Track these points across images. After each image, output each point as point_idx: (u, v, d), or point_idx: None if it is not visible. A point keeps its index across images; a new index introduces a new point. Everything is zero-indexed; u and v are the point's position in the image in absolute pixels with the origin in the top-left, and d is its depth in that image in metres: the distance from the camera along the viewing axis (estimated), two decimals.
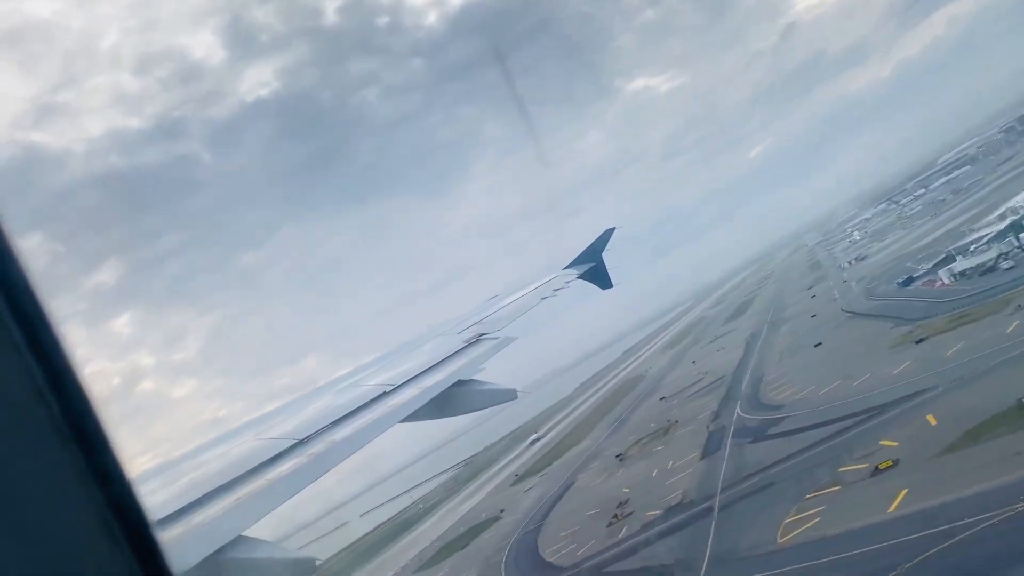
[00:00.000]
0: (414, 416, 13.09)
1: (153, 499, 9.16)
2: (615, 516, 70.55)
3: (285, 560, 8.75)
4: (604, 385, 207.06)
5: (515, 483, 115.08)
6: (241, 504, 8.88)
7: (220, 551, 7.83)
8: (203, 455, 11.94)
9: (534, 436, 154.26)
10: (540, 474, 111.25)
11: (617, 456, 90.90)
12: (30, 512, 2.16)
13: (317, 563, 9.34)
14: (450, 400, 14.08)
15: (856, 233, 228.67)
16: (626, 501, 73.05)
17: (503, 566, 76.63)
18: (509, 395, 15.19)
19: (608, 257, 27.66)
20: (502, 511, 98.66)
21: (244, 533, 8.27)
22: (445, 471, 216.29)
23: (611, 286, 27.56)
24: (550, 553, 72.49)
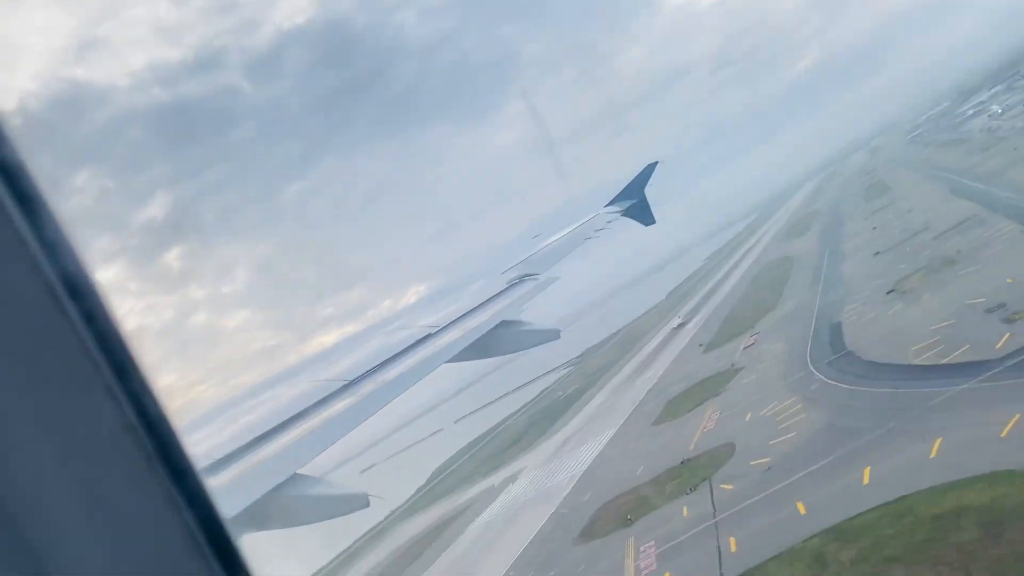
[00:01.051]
0: (459, 356, 13.20)
1: (212, 440, 9.64)
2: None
3: (339, 496, 8.97)
4: (734, 267, 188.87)
5: (706, 351, 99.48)
6: (296, 443, 9.17)
7: (277, 488, 8.07)
8: (258, 396, 12.46)
9: (678, 321, 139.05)
10: (749, 333, 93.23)
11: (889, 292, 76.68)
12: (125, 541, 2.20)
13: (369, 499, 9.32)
14: (494, 340, 14.19)
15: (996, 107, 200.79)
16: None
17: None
18: (552, 335, 15.20)
19: (650, 192, 27.04)
20: (734, 365, 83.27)
21: (299, 471, 8.54)
22: (546, 373, 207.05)
23: (653, 222, 27.05)
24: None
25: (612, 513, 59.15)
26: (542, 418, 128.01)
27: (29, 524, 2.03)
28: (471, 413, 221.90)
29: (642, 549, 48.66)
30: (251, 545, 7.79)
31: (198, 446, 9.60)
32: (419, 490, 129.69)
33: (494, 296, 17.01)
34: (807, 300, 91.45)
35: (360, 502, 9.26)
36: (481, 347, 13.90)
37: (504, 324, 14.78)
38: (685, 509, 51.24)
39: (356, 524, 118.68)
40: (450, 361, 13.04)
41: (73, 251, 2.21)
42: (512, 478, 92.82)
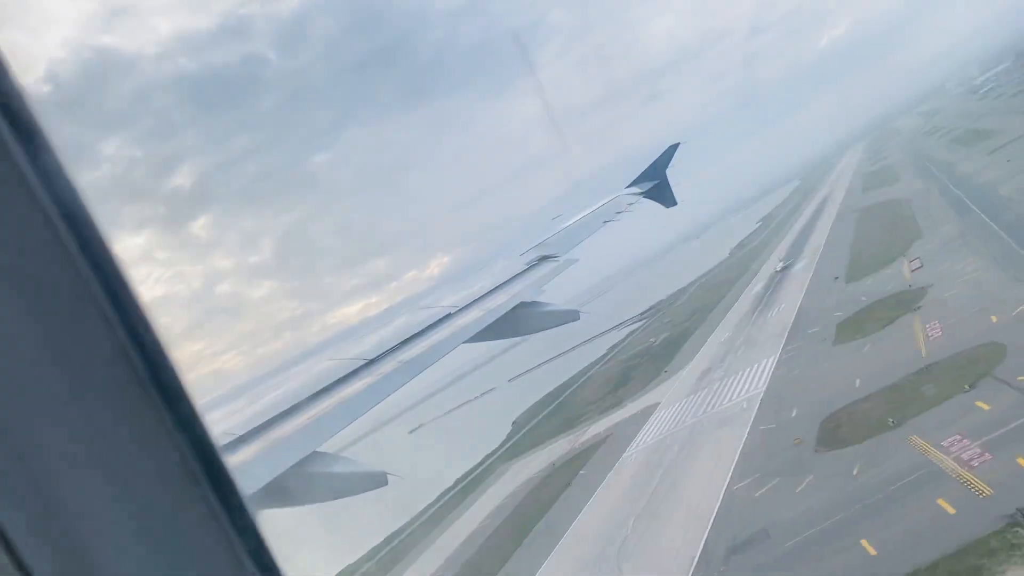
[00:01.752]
0: (478, 337, 13.31)
1: (237, 417, 9.72)
2: None
3: (358, 473, 9.11)
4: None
5: (849, 282, 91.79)
6: (317, 421, 9.35)
7: (298, 464, 8.24)
8: (281, 374, 12.72)
9: (780, 265, 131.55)
10: (904, 259, 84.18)
11: None
12: (114, 463, 2.28)
13: (388, 476, 9.42)
14: (513, 321, 14.23)
15: None
16: None
17: None
18: (571, 316, 15.14)
19: (671, 173, 26.90)
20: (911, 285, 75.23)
21: (320, 448, 8.74)
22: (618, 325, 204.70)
23: (675, 203, 26.85)
24: None
25: (852, 420, 52.38)
26: (642, 362, 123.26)
27: (32, 454, 2.06)
28: (528, 371, 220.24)
29: (947, 443, 42.12)
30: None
31: (222, 423, 9.48)
32: (510, 435, 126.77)
33: (513, 277, 17.04)
34: (970, 225, 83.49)
35: (378, 480, 9.29)
36: (500, 328, 13.90)
37: (523, 305, 14.70)
38: (981, 403, 43.91)
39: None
40: (469, 341, 13.05)
41: (70, 181, 2.20)
42: (647, 411, 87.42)
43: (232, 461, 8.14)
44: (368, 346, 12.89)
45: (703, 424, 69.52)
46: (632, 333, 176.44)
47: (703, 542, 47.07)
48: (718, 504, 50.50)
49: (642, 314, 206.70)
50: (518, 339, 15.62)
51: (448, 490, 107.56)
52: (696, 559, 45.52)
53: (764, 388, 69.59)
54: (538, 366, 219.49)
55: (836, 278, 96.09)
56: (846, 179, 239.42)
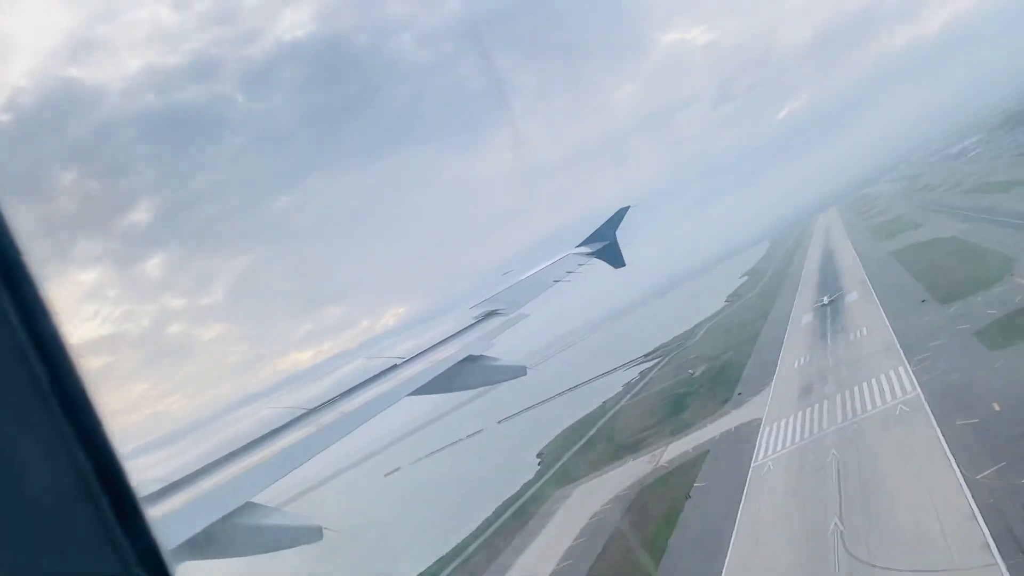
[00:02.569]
0: (423, 390, 13.07)
1: (166, 465, 9.36)
2: None
3: (293, 527, 8.84)
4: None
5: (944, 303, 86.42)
6: (251, 471, 9.05)
7: (229, 516, 7.93)
8: (217, 421, 12.36)
9: (826, 299, 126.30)
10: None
11: None
12: (7, 476, 2.23)
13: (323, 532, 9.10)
14: (459, 375, 14.04)
15: None
16: None
17: None
18: (518, 371, 14.95)
19: (621, 234, 27.11)
20: None
21: (253, 500, 8.43)
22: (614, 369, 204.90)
23: (623, 265, 26.93)
24: None
25: None
26: (692, 391, 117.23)
27: None
28: (520, 412, 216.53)
29: None
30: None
31: (154, 468, 9.22)
32: (545, 465, 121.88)
33: (461, 330, 16.76)
34: None
35: (313, 535, 8.96)
36: (445, 381, 13.68)
37: (470, 359, 14.50)
38: None
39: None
40: (414, 394, 12.82)
41: None
42: (746, 427, 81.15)
43: (161, 509, 7.82)
44: (310, 395, 12.48)
45: (857, 428, 63.75)
46: (648, 371, 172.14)
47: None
48: (968, 493, 44.46)
49: (647, 355, 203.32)
50: (465, 393, 14.84)
51: (496, 516, 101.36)
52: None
53: (916, 392, 64.35)
54: (528, 408, 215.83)
55: (923, 301, 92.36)
56: (839, 234, 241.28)
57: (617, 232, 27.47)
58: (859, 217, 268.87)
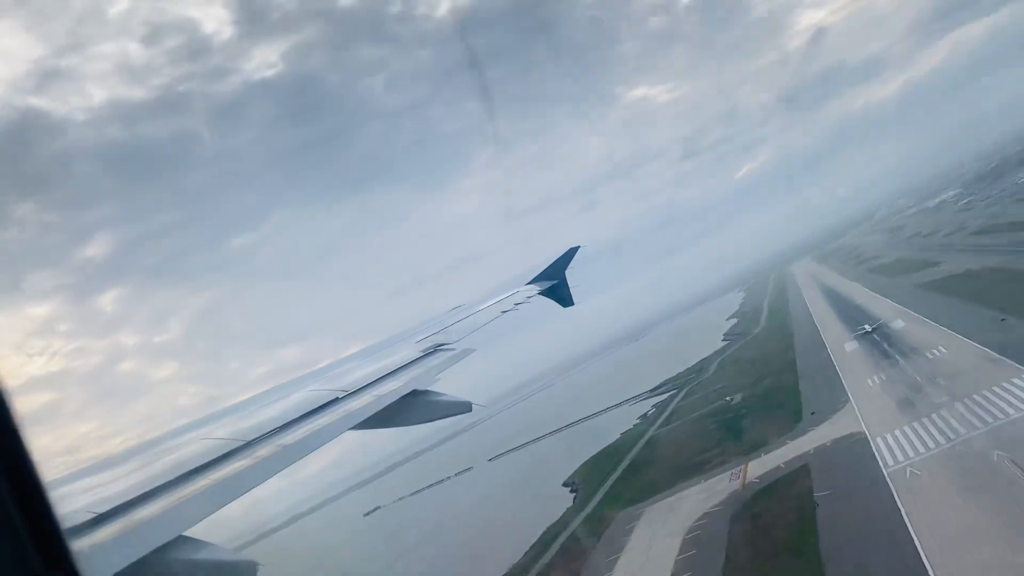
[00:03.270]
0: (366, 424, 12.68)
1: (94, 495, 8.95)
2: None
3: (226, 563, 8.50)
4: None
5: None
6: (184, 504, 8.69)
7: (159, 551, 7.59)
8: (148, 452, 11.67)
9: (868, 327, 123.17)
10: None
11: None
12: None
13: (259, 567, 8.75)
14: (404, 409, 13.65)
15: None
16: None
17: None
18: (464, 407, 14.51)
19: (571, 275, 27.13)
20: None
21: (186, 533, 8.12)
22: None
23: (572, 304, 26.85)
24: None
25: None
26: (743, 415, 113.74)
27: None
28: (516, 448, 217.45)
29: None
30: None
31: (83, 497, 8.89)
32: (582, 493, 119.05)
33: (407, 364, 16.40)
34: None
35: (249, 570, 8.63)
36: (389, 416, 13.28)
37: (415, 393, 14.18)
38: None
39: None
40: (356, 428, 12.45)
41: None
42: (845, 440, 76.57)
43: (88, 541, 7.51)
44: (247, 426, 12.00)
45: (1013, 428, 60.18)
46: (663, 404, 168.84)
47: None
48: None
49: (653, 390, 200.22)
50: (407, 427, 14.24)
51: (544, 544, 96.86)
52: None
53: None
54: (525, 444, 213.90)
55: (1003, 319, 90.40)
56: (833, 277, 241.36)
57: (566, 272, 27.37)
58: (848, 263, 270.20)
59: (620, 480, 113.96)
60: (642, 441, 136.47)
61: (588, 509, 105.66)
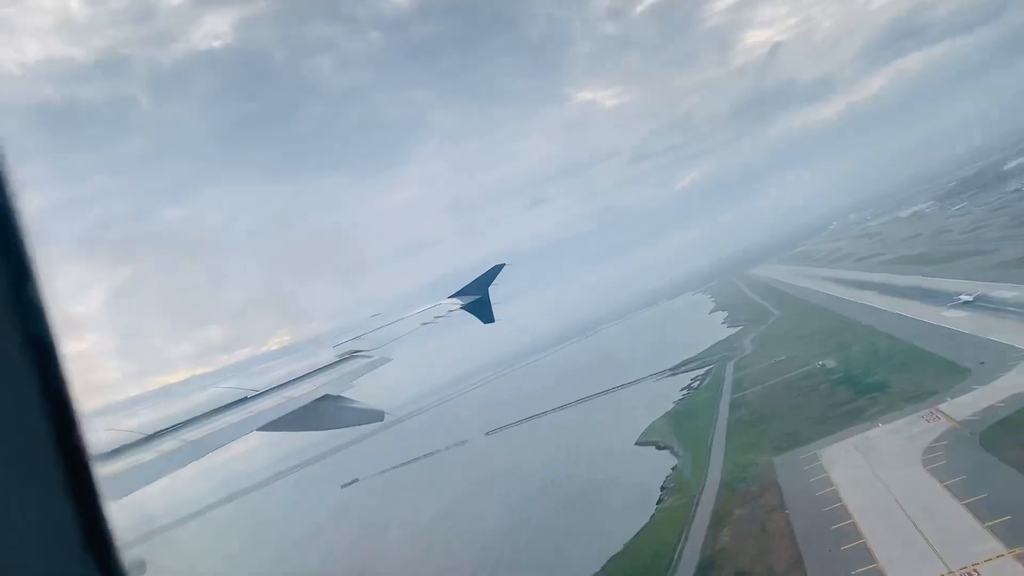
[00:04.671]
0: (274, 425, 12.40)
1: None
2: None
3: None
4: None
5: None
6: None
7: None
8: None
9: (963, 297, 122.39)
10: None
11: None
12: None
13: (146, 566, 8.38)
14: (315, 414, 13.41)
15: None
16: None
17: None
18: (376, 416, 14.36)
19: (494, 291, 26.99)
20: None
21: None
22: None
23: (493, 321, 26.68)
24: None
25: None
26: (863, 378, 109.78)
27: None
28: (521, 421, 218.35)
29: None
30: None
31: None
32: (677, 452, 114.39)
33: (320, 368, 16.15)
34: None
35: (137, 569, 8.17)
36: (299, 419, 13.04)
37: (327, 398, 13.92)
38: None
39: None
40: (263, 429, 12.16)
41: None
42: None
43: None
44: (150, 419, 11.65)
45: None
46: (704, 376, 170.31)
47: None
48: None
49: (675, 369, 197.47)
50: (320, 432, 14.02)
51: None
52: None
53: None
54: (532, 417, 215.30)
55: None
56: (843, 272, 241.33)
57: (490, 289, 27.07)
58: (841, 261, 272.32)
59: (733, 436, 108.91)
60: (721, 404, 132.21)
61: (713, 461, 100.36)
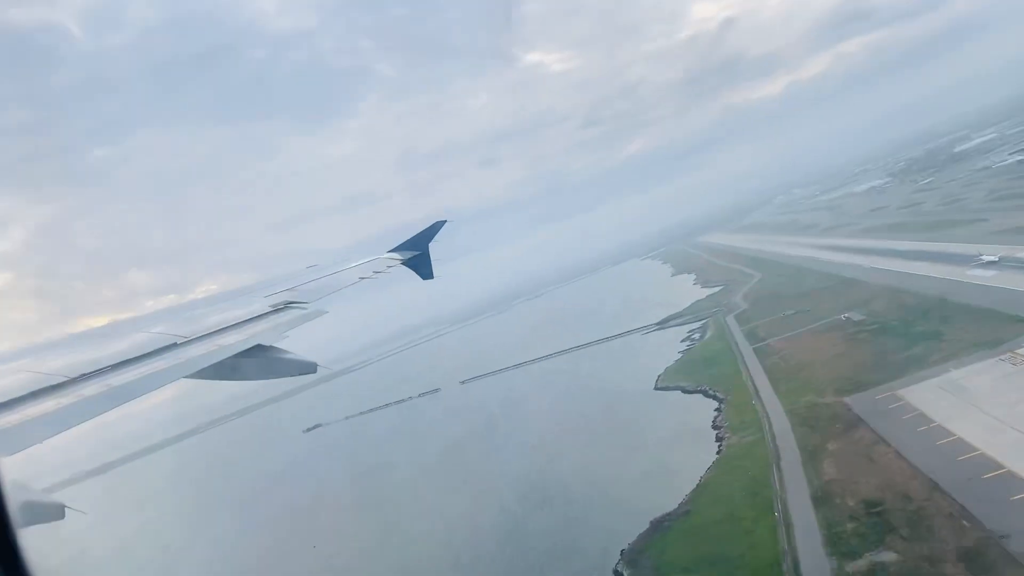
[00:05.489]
0: (203, 374, 12.15)
1: None
2: None
3: (35, 503, 8.22)
4: None
5: None
6: None
7: None
8: None
9: (983, 257, 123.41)
10: None
11: None
12: None
13: (65, 511, 8.38)
14: (246, 364, 13.14)
15: None
16: None
17: None
18: (309, 367, 14.15)
19: (434, 247, 26.83)
20: None
21: None
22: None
23: (432, 277, 26.63)
24: None
25: None
26: (903, 326, 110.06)
27: None
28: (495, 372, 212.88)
29: None
30: None
31: None
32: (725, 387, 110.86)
33: (254, 318, 15.83)
34: None
35: (55, 512, 8.38)
36: (229, 368, 12.79)
37: (259, 348, 13.68)
38: None
39: None
40: (192, 376, 11.94)
41: None
42: None
43: None
44: (75, 362, 11.32)
45: None
46: (701, 328, 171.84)
47: None
48: None
49: (662, 323, 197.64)
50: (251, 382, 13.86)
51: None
52: None
53: None
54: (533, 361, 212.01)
55: None
56: (810, 237, 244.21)
57: (430, 245, 27.08)
58: (804, 232, 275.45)
59: (779, 380, 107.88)
60: (743, 352, 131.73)
61: (767, 403, 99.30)
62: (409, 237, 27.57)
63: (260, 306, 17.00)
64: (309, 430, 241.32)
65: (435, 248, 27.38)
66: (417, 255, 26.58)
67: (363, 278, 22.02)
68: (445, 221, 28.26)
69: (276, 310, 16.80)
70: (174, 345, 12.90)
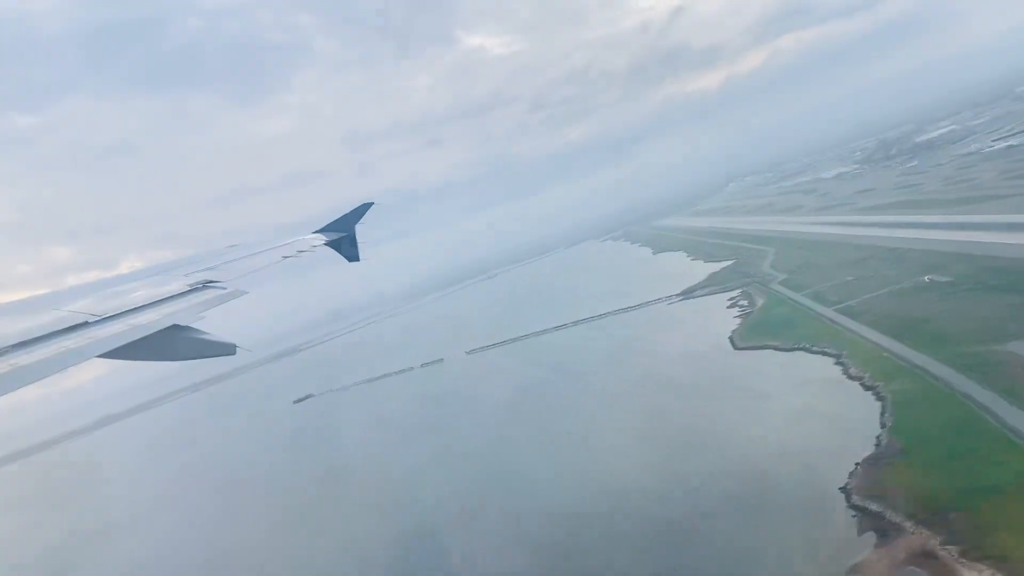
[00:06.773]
0: (116, 353, 11.78)
1: None
2: None
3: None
4: None
5: None
6: None
7: None
8: None
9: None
10: None
11: None
12: None
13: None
14: (160, 344, 12.87)
15: None
16: None
17: None
18: (227, 349, 13.90)
19: (360, 230, 26.83)
20: None
21: None
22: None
23: (358, 259, 26.63)
24: None
25: None
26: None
27: None
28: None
29: None
30: None
31: None
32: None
33: (171, 297, 15.71)
34: None
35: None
36: (145, 348, 12.61)
37: (176, 328, 13.54)
38: None
39: None
40: (105, 356, 11.68)
41: None
42: None
43: None
44: None
45: None
46: (748, 294, 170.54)
47: None
48: None
49: (686, 293, 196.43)
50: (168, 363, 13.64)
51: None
52: None
53: None
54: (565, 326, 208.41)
55: None
56: (809, 215, 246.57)
57: (356, 227, 26.90)
58: (792, 212, 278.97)
59: (902, 335, 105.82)
60: (825, 312, 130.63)
61: (906, 353, 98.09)
62: (335, 219, 27.02)
63: (178, 285, 16.59)
64: (300, 400, 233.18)
65: (372, 231, 26.86)
66: (342, 236, 26.04)
67: (287, 257, 21.39)
68: (372, 203, 27.77)
69: (194, 289, 16.32)
70: (86, 324, 12.49)
